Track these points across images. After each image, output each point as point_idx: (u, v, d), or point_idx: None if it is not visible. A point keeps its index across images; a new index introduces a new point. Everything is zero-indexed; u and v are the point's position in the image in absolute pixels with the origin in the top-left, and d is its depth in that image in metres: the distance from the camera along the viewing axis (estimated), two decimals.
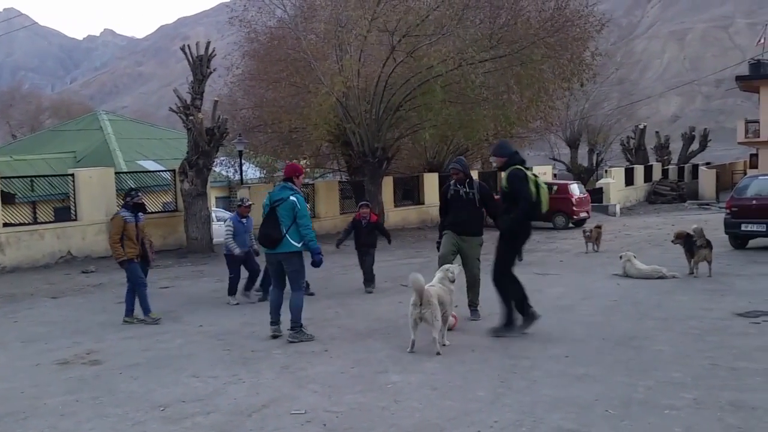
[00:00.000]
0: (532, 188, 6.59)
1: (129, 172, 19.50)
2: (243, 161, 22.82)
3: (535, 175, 6.75)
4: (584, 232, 14.20)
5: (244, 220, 9.34)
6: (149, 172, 20.90)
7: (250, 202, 9.51)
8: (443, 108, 16.61)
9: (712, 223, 17.17)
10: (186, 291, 10.43)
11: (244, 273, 9.46)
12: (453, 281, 6.62)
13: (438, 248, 7.70)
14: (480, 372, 5.58)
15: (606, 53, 18.68)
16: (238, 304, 9.13)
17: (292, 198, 6.78)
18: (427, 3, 16.86)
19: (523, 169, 6.68)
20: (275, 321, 7.09)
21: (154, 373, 6.00)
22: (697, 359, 5.81)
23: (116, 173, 16.10)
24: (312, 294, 9.34)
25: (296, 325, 6.94)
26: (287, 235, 6.75)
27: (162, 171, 19.62)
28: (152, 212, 16.79)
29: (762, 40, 34.51)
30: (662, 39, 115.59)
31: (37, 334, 7.79)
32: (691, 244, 10.07)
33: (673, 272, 10.10)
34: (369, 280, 10.01)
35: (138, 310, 8.30)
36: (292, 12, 19.50)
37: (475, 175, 24.63)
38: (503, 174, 6.78)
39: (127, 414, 4.90)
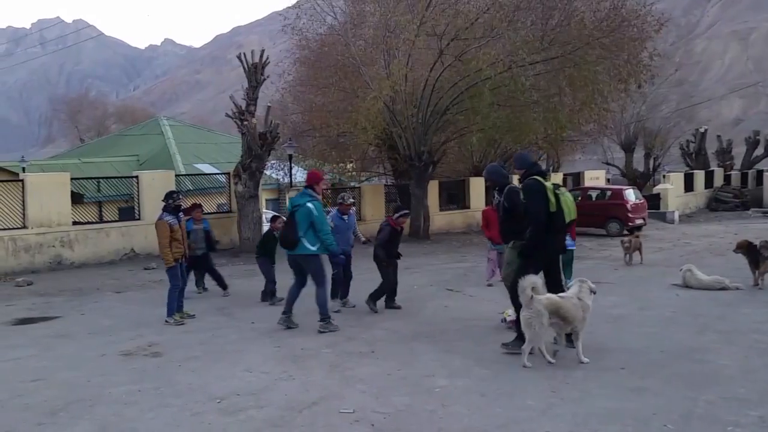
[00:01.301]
0: (551, 198, 6.33)
1: (187, 175, 20.13)
2: (292, 165, 23.24)
3: (556, 185, 6.55)
4: (623, 242, 13.29)
5: (345, 217, 9.02)
6: (206, 174, 21.56)
7: (351, 200, 9.48)
8: (491, 111, 16.43)
9: None
10: (239, 289, 10.68)
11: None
12: (594, 292, 6.27)
13: None
14: (530, 380, 5.50)
15: (664, 54, 17.99)
16: (339, 311, 8.57)
17: (308, 205, 7.26)
18: (476, 6, 16.72)
19: (538, 179, 6.44)
20: (287, 311, 7.69)
21: (211, 366, 6.22)
22: (763, 375, 5.58)
23: (176, 176, 16.66)
24: (399, 307, 8.84)
25: (324, 317, 7.48)
26: (302, 239, 7.25)
27: (217, 174, 20.21)
28: (208, 213, 17.31)
29: None
30: (723, 39, 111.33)
31: (102, 327, 8.17)
32: (756, 254, 9.65)
33: (737, 283, 9.69)
34: (393, 295, 8.95)
35: (187, 307, 8.56)
36: (342, 19, 19.76)
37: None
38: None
39: (186, 405, 5.10)
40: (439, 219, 21.01)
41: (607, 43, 16.04)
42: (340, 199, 9.26)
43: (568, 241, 9.57)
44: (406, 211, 9.10)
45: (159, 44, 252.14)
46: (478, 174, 23.41)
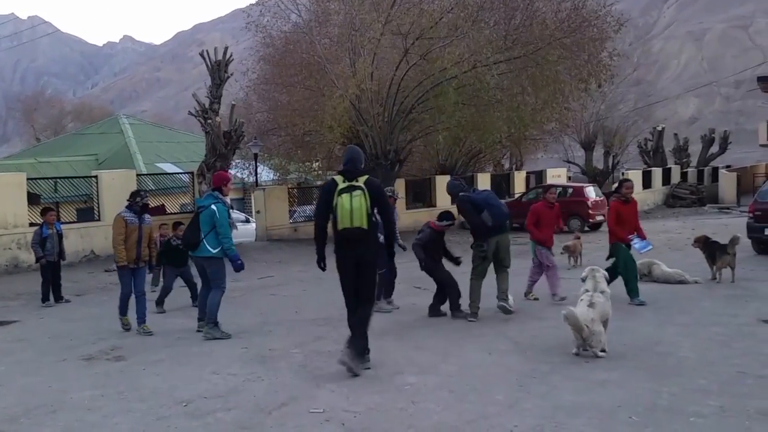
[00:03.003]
0: (336, 199, 5.65)
1: (149, 174, 19.76)
2: (258, 164, 23.01)
3: (353, 187, 5.64)
4: (567, 247, 12.49)
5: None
6: (168, 174, 21.20)
7: (399, 195, 8.87)
8: (456, 110, 16.58)
9: (733, 227, 16.89)
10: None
11: None
12: (607, 279, 6.55)
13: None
14: (498, 376, 5.56)
15: (623, 54, 18.41)
16: (398, 308, 8.71)
17: (212, 207, 7.17)
18: (440, 5, 16.85)
19: (334, 178, 5.84)
20: (201, 318, 7.58)
21: (176, 369, 6.11)
22: (723, 366, 5.69)
23: (137, 175, 16.33)
24: (397, 308, 8.80)
25: (211, 322, 7.32)
26: (204, 241, 7.18)
27: (180, 173, 19.88)
28: (171, 213, 17.07)
29: None
30: (679, 39, 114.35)
31: (62, 331, 7.95)
32: (713, 249, 9.86)
33: (696, 277, 9.91)
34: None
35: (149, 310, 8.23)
36: (306, 16, 19.66)
37: (487, 177, 24.98)
38: None
39: (151, 409, 5.00)
40: (406, 217, 21.06)
41: (568, 43, 16.35)
42: (389, 193, 8.55)
43: (640, 243, 8.61)
44: (451, 222, 8.45)
45: (117, 41, 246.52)
46: (444, 172, 23.60)
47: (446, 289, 8.20)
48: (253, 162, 22.54)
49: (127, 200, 8.01)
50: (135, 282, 7.83)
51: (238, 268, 7.25)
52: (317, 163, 22.85)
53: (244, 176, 24.14)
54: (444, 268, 8.37)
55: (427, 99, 17.03)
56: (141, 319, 7.78)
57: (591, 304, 6.10)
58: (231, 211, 7.55)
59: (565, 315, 5.89)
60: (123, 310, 7.91)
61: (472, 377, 5.53)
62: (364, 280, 5.87)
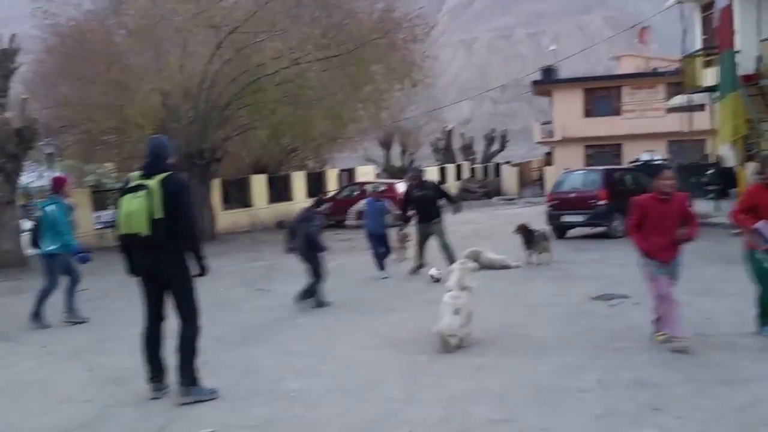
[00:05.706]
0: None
1: None
2: (46, 165, 20.32)
3: (139, 186, 4.80)
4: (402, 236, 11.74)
5: (377, 203, 10.92)
6: None
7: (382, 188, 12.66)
8: (277, 107, 16.29)
9: (525, 216, 18.91)
10: (8, 309, 9.06)
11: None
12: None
13: None
14: (382, 371, 5.50)
15: (430, 57, 19.42)
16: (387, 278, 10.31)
17: (47, 208, 7.94)
18: None
19: (133, 176, 5.20)
20: (36, 312, 8.10)
21: (16, 401, 5.23)
22: (579, 342, 6.03)
23: None
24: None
25: (35, 316, 7.96)
26: (41, 239, 7.96)
27: None
28: None
29: (553, 47, 39.24)
30: (453, 47, 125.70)
31: None
32: (531, 235, 10.96)
33: (517, 262, 10.85)
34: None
35: None
36: (101, 4, 17.77)
37: (302, 176, 24.95)
38: None
39: None
40: (224, 218, 20.28)
41: (382, 44, 16.92)
42: (373, 189, 10.93)
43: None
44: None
45: None
46: (258, 171, 23.07)
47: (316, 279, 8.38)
48: (43, 164, 19.80)
49: None
50: None
51: (83, 260, 8.01)
52: (115, 164, 20.86)
53: (29, 180, 21.08)
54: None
55: (244, 95, 16.47)
56: None
57: (456, 311, 5.95)
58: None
59: (437, 334, 5.98)
60: None
61: (357, 375, 5.43)
62: (174, 296, 4.97)
